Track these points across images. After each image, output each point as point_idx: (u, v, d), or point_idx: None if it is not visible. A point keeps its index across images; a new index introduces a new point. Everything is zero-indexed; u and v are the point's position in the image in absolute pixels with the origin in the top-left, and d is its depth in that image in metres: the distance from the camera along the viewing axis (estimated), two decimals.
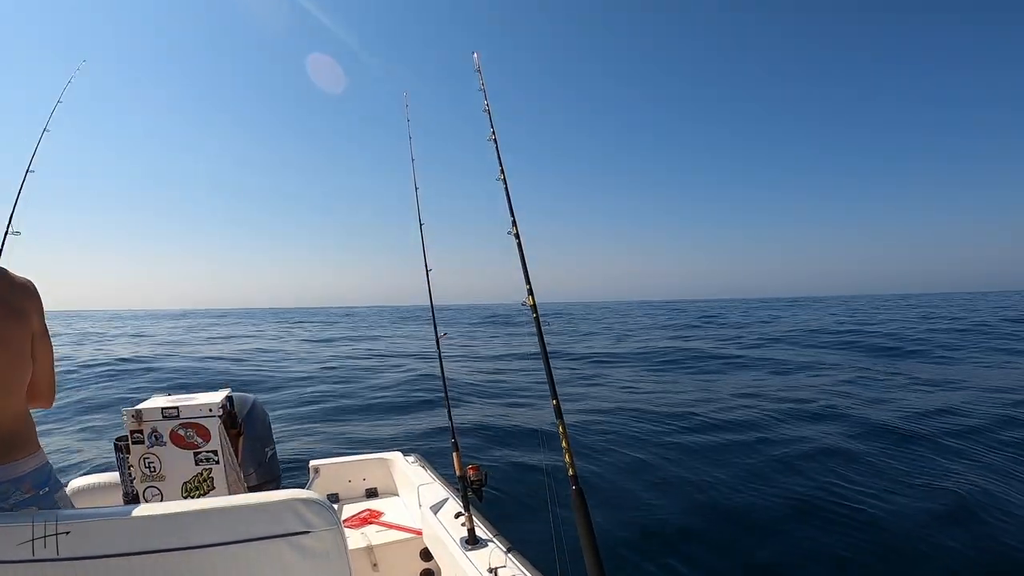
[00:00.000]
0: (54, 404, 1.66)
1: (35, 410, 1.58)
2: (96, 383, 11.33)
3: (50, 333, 1.60)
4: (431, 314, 2.96)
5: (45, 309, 1.57)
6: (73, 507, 1.64)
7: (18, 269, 1.57)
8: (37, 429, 1.54)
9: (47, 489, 1.50)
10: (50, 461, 1.57)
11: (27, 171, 2.28)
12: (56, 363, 1.65)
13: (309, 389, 10.46)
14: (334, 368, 13.92)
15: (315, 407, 8.78)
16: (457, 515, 2.42)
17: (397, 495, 3.20)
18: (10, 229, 2.16)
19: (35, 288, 1.56)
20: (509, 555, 2.08)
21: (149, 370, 13.52)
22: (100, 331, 33.16)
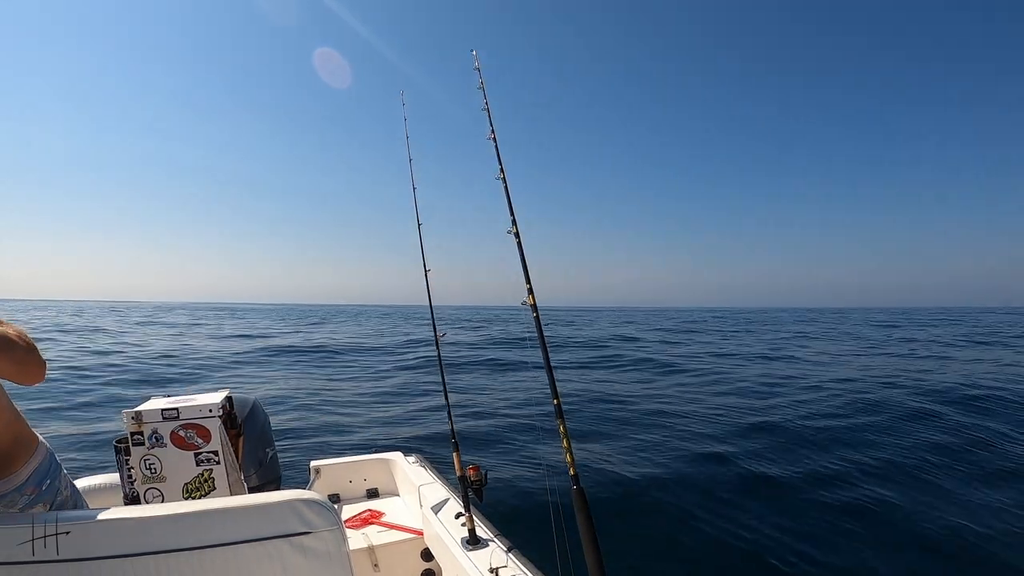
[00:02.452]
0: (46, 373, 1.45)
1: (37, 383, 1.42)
2: None
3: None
4: (430, 315, 2.96)
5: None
6: (75, 487, 1.64)
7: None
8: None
9: (48, 481, 1.49)
10: (49, 448, 1.55)
11: None
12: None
13: None
14: None
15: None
16: (458, 515, 2.42)
17: (398, 495, 3.20)
18: None
19: None
20: (510, 555, 2.08)
21: None
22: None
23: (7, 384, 1.39)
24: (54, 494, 1.50)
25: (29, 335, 1.39)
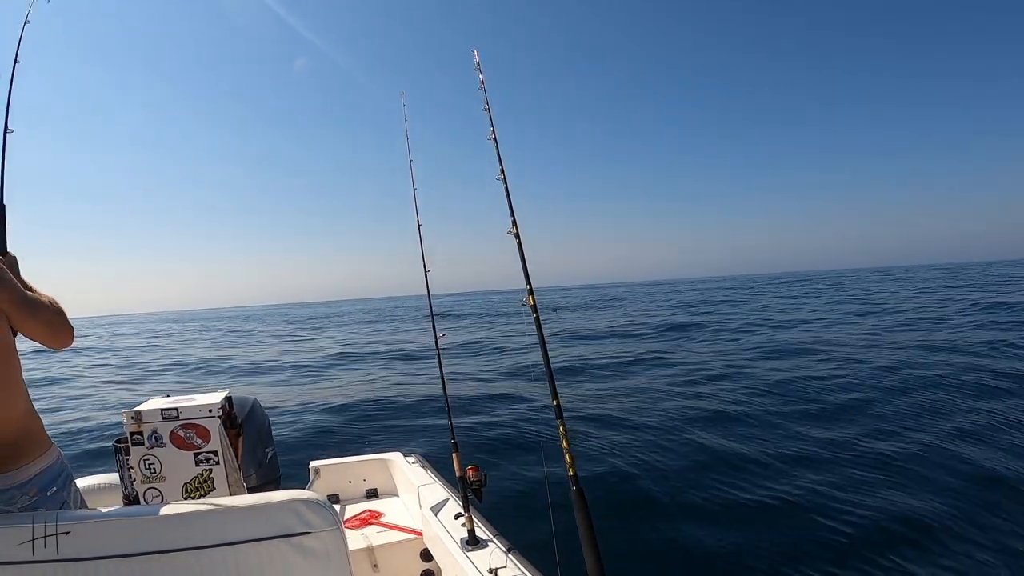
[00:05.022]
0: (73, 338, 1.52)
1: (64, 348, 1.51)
2: None
3: None
4: (430, 315, 2.95)
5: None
6: (84, 502, 1.62)
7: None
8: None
9: (55, 489, 1.47)
10: (63, 456, 1.54)
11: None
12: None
13: None
14: None
15: None
16: (457, 515, 2.42)
17: (397, 496, 3.20)
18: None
19: None
20: (509, 555, 2.08)
21: None
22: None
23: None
24: (59, 504, 1.47)
25: (59, 302, 1.49)
